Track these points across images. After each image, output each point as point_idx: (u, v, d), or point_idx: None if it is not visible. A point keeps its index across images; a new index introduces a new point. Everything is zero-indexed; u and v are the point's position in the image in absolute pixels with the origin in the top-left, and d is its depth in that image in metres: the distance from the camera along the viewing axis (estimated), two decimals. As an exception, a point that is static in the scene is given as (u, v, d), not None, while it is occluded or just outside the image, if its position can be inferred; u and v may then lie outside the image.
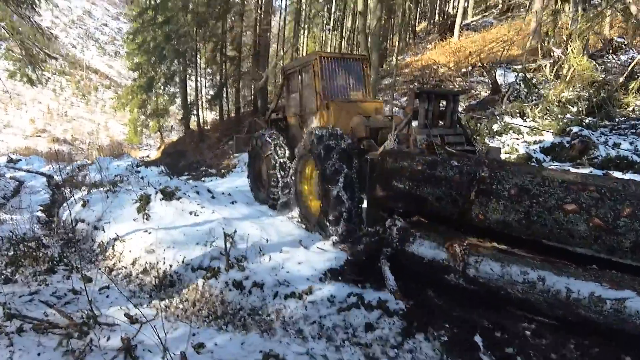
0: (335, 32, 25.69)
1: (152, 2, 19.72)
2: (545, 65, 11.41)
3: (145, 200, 5.72)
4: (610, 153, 7.29)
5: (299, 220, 6.01)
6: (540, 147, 8.16)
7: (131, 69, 24.32)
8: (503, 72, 13.36)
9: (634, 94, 9.48)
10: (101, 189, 6.82)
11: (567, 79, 10.17)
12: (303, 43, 24.56)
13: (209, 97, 23.38)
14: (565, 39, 10.90)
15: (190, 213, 5.61)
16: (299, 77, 6.71)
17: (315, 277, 4.07)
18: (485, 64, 13.40)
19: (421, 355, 3.00)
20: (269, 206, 6.87)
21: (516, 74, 12.32)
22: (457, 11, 22.49)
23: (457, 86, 14.39)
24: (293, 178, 6.00)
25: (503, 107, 10.55)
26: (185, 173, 15.08)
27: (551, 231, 3.17)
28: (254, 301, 3.77)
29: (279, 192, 6.66)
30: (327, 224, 5.03)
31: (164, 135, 25.24)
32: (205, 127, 23.67)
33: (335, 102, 6.11)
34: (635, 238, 2.80)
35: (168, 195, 5.87)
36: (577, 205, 3.08)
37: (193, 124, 23.34)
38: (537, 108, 9.97)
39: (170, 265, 4.56)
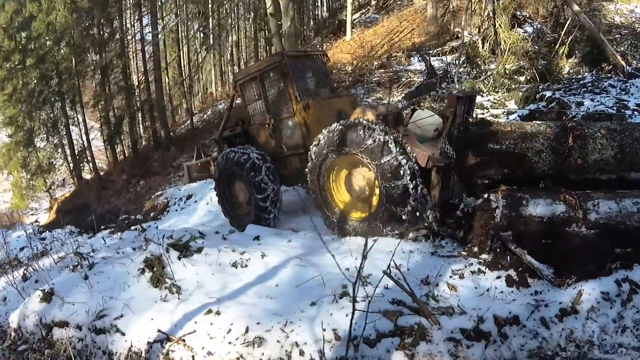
0: (214, 50, 24.91)
1: (18, 45, 16.79)
2: (477, 43, 11.95)
3: (157, 266, 4.09)
4: (584, 111, 7.77)
5: (331, 228, 5.10)
6: (518, 116, 8.42)
7: (3, 125, 20.22)
8: (422, 58, 13.84)
9: (564, 58, 10.53)
10: (67, 268, 4.87)
11: (504, 53, 10.75)
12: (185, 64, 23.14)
13: (103, 137, 20.23)
14: (485, 16, 11.50)
15: (234, 265, 4.20)
16: (259, 83, 6.09)
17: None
18: (419, 52, 13.94)
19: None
20: (267, 225, 5.82)
21: (442, 57, 13.01)
22: (345, 10, 23.32)
23: (383, 77, 14.50)
24: (318, 183, 5.12)
25: (457, 87, 10.83)
26: (102, 228, 12.61)
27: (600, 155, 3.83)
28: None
29: (272, 207, 5.82)
30: (394, 221, 4.46)
31: (54, 193, 20.98)
32: (103, 173, 20.58)
33: (316, 101, 5.73)
34: None
35: (185, 249, 4.31)
36: None
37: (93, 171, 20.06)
38: (489, 83, 10.42)
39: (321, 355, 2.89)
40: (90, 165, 19.55)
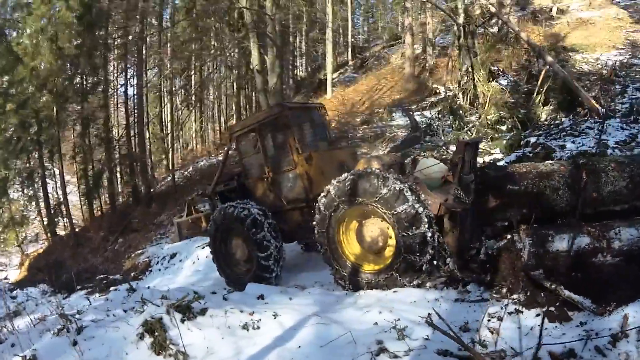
0: (196, 106, 25.30)
1: (-2, 89, 16.28)
2: (457, 97, 12.66)
3: (159, 330, 3.59)
4: (566, 152, 8.21)
5: (338, 281, 4.90)
6: (506, 162, 8.69)
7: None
8: (405, 113, 14.58)
9: (541, 106, 11.29)
10: (50, 332, 4.25)
11: (485, 105, 11.40)
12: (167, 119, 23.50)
13: (80, 191, 19.37)
14: (464, 71, 12.33)
15: (244, 327, 3.79)
16: (258, 135, 5.98)
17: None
18: (401, 107, 14.66)
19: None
20: (269, 284, 5.48)
21: (425, 112, 13.83)
22: (323, 69, 24.45)
23: (369, 133, 14.83)
24: (328, 235, 4.87)
25: (442, 138, 11.40)
26: (78, 288, 11.64)
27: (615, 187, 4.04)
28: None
29: (274, 266, 5.55)
30: (412, 273, 4.31)
31: (26, 248, 19.50)
32: (79, 230, 19.49)
33: (318, 153, 5.72)
34: None
35: (187, 311, 3.86)
36: None
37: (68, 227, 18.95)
38: (472, 134, 10.95)
39: None
40: (66, 220, 18.57)
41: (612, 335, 2.87)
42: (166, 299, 4.04)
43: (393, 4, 28.33)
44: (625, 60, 13.87)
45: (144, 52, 19.16)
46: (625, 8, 18.87)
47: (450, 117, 12.11)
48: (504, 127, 11.13)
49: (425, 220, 4.24)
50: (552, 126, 10.67)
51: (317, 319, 3.86)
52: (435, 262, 4.33)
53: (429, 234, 4.24)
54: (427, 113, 14.11)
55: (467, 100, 12.32)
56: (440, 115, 12.73)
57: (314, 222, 4.93)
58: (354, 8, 28.23)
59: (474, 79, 11.79)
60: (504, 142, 10.17)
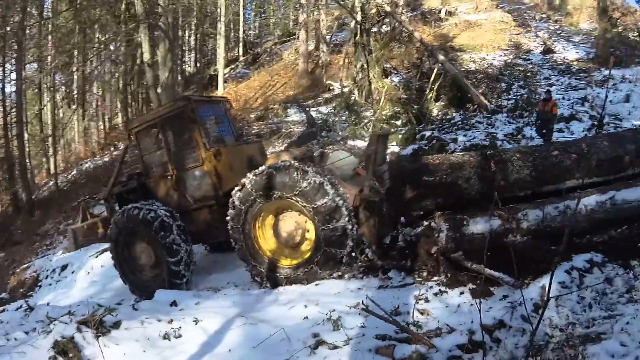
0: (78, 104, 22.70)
1: None
2: (353, 93, 13.21)
3: (73, 350, 3.04)
4: (459, 145, 9.07)
5: (254, 278, 4.83)
6: (401, 155, 9.15)
7: None
8: (301, 109, 14.74)
9: (433, 102, 12.41)
10: None
11: (380, 101, 12.10)
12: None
13: None
14: (359, 68, 12.80)
15: (166, 337, 3.44)
16: (160, 131, 5.67)
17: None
18: (297, 103, 14.71)
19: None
20: (181, 289, 5.17)
21: (321, 108, 14.18)
22: (213, 65, 23.89)
23: (264, 129, 14.67)
24: (243, 231, 4.73)
25: (340, 134, 11.75)
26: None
27: (550, 173, 4.51)
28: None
29: (185, 270, 5.25)
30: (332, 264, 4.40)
31: None
32: None
33: (227, 148, 5.57)
34: (598, 160, 4.48)
35: (100, 326, 3.35)
36: (558, 150, 4.60)
37: None
38: (368, 128, 11.48)
39: None
40: None
41: (534, 305, 3.12)
42: (73, 315, 3.53)
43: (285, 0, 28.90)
44: (509, 60, 15.76)
45: (23, 44, 17.03)
46: (510, 12, 21.41)
47: (347, 113, 12.52)
48: (398, 122, 11.90)
49: (345, 213, 4.29)
50: (444, 121, 11.75)
51: (242, 320, 3.66)
52: (354, 254, 4.40)
53: (349, 227, 4.30)
54: (322, 109, 14.51)
55: (362, 96, 12.88)
56: (335, 111, 13.14)
57: (228, 218, 4.74)
58: (245, 3, 27.74)
59: (368, 76, 12.34)
60: (400, 136, 10.82)
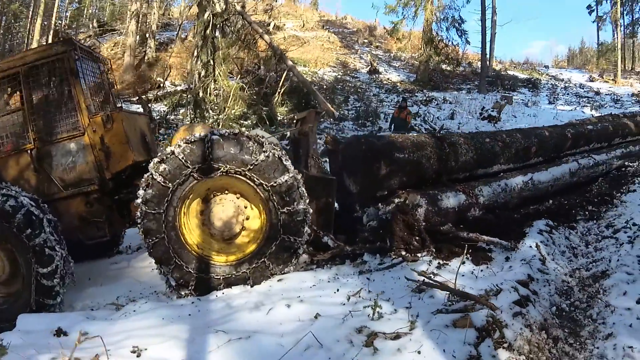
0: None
1: None
2: (199, 90, 12.69)
3: None
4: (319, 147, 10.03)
5: (177, 284, 3.92)
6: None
7: None
8: (140, 104, 13.90)
9: (279, 105, 13.13)
10: None
11: (228, 100, 12.14)
12: None
13: None
14: (204, 65, 12.45)
15: None
16: (22, 84, 4.47)
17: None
18: (139, 96, 14.05)
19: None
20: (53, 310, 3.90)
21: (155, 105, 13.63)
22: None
23: None
24: (166, 219, 3.83)
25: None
26: None
27: (485, 157, 5.29)
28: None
29: (60, 286, 3.93)
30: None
31: None
32: None
33: (122, 115, 4.63)
34: (516, 149, 5.64)
35: None
36: (489, 138, 5.54)
37: None
38: (220, 126, 11.28)
39: None
40: None
41: (539, 259, 3.55)
42: None
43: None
44: (339, 77, 18.42)
45: None
46: (335, 34, 25.09)
47: (190, 111, 12.26)
48: (247, 122, 12.31)
49: (305, 193, 3.89)
50: (292, 124, 13.16)
51: (219, 337, 2.79)
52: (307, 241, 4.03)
53: (309, 210, 3.94)
54: (155, 106, 14.30)
55: (208, 94, 12.67)
56: (169, 109, 13.06)
57: (139, 201, 3.77)
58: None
59: (214, 74, 12.25)
60: None
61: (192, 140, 3.73)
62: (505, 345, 2.48)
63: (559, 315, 3.10)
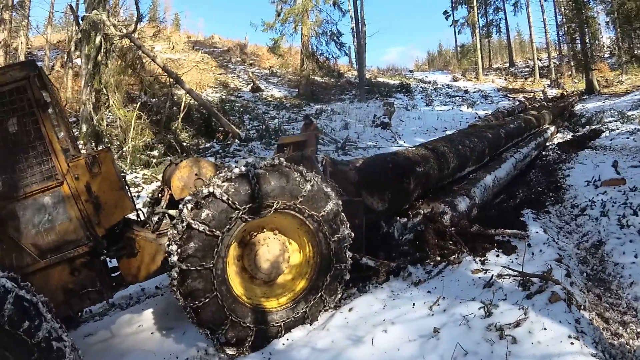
0: None
1: None
2: (93, 120, 11.89)
3: None
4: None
5: (231, 343, 3.82)
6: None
7: None
8: None
9: (182, 131, 13.02)
10: None
11: (127, 130, 11.68)
12: None
13: None
14: (95, 93, 11.77)
15: None
16: None
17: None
18: None
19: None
20: None
21: None
22: None
23: None
24: (214, 275, 3.64)
25: None
26: None
27: (462, 162, 6.39)
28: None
29: None
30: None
31: None
32: None
33: (106, 155, 4.02)
34: (478, 152, 6.88)
35: None
36: (462, 145, 6.79)
37: None
38: (127, 160, 11.10)
39: None
40: None
41: (553, 240, 4.81)
42: None
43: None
44: (224, 97, 18.65)
45: None
46: (208, 54, 25.01)
47: (92, 143, 11.68)
48: (156, 152, 12.18)
49: (345, 218, 4.14)
50: (203, 150, 12.99)
51: None
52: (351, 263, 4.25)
53: (352, 235, 4.17)
54: None
55: (103, 125, 12.25)
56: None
57: (174, 259, 3.45)
58: None
59: (108, 103, 11.94)
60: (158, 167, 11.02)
61: (232, 177, 3.58)
62: (582, 307, 3.51)
63: (588, 278, 4.31)
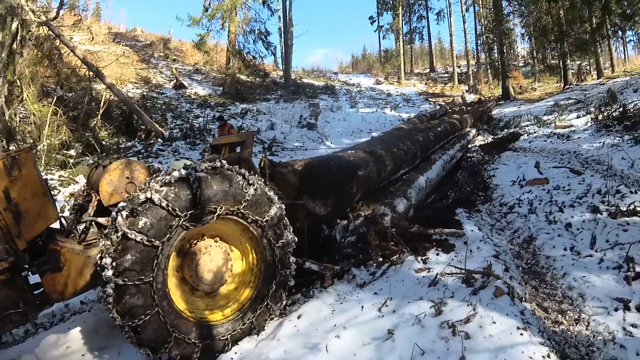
0: None
1: None
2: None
3: None
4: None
5: None
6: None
7: None
8: None
9: (101, 129, 12.30)
10: None
11: (42, 127, 10.90)
12: None
13: None
14: (8, 85, 10.79)
15: None
16: None
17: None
18: None
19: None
20: None
21: None
22: None
23: None
24: (154, 288, 3.37)
25: None
26: None
27: (397, 164, 6.63)
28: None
29: None
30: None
31: None
32: None
33: (27, 154, 3.62)
34: (411, 154, 7.14)
35: None
36: (397, 148, 7.02)
37: None
38: (40, 160, 10.31)
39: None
40: None
41: (489, 238, 5.12)
42: None
43: None
44: (146, 93, 17.91)
45: None
46: (129, 47, 23.84)
47: (1, 139, 10.74)
48: (73, 152, 11.55)
49: (288, 222, 4.07)
50: (124, 149, 12.47)
51: None
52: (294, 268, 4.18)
53: (295, 239, 4.12)
54: None
55: (16, 121, 11.31)
56: None
57: (109, 274, 3.15)
58: None
59: (21, 97, 11.05)
60: (86, 167, 10.51)
61: (172, 181, 3.36)
62: (523, 299, 3.77)
63: (524, 272, 4.64)
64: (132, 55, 22.97)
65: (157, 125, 13.75)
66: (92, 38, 19.36)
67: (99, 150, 11.57)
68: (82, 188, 4.96)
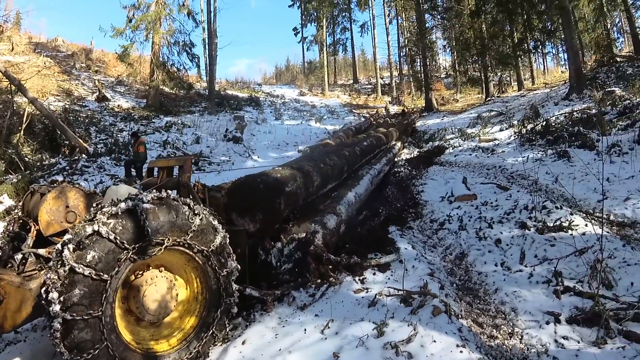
0: None
1: None
2: None
3: None
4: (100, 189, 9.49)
5: None
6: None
7: None
8: None
9: (25, 145, 11.85)
10: None
11: None
12: None
13: None
14: None
15: None
16: None
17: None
18: None
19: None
20: None
21: None
22: None
23: None
24: (102, 322, 3.41)
25: None
26: None
27: (325, 180, 6.91)
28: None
29: None
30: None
31: None
32: None
33: None
34: (338, 169, 7.58)
35: None
36: (324, 164, 7.36)
37: None
38: None
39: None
40: None
41: (422, 256, 5.44)
42: None
43: None
44: (67, 106, 17.19)
45: None
46: (50, 57, 22.54)
47: None
48: None
49: (230, 249, 4.24)
50: (46, 166, 12.12)
51: None
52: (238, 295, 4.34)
53: (238, 267, 4.30)
54: None
55: None
56: None
57: (57, 309, 3.15)
58: None
59: None
60: (10, 185, 10.17)
61: (118, 212, 3.39)
62: (459, 316, 4.11)
63: (458, 288, 5.01)
64: (53, 66, 21.95)
65: (81, 141, 13.28)
66: (13, 48, 18.32)
67: (22, 167, 11.02)
68: (17, 215, 4.82)
